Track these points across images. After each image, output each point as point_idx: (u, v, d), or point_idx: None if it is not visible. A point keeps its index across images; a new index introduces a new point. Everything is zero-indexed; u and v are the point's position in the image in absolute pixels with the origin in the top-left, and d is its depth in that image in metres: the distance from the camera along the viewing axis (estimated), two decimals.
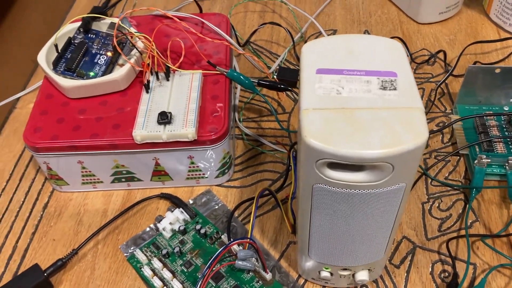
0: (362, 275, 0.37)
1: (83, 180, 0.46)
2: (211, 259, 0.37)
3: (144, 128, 0.42)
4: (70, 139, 0.42)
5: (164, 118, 0.42)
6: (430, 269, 0.41)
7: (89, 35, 0.49)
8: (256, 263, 0.39)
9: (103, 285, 0.41)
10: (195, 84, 0.45)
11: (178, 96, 0.44)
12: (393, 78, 0.30)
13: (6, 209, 0.47)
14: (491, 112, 0.50)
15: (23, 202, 0.47)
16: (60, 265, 0.41)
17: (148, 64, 0.44)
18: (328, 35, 0.61)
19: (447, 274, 0.41)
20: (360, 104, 0.29)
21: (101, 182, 0.46)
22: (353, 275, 0.38)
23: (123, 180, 0.46)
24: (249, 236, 0.39)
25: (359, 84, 0.30)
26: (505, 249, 0.42)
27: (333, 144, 0.27)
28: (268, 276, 0.39)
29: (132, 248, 0.43)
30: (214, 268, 0.38)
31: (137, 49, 0.45)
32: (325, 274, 0.38)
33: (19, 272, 0.42)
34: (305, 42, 0.61)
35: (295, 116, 0.53)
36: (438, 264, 0.41)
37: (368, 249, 0.35)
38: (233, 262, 0.38)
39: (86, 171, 0.45)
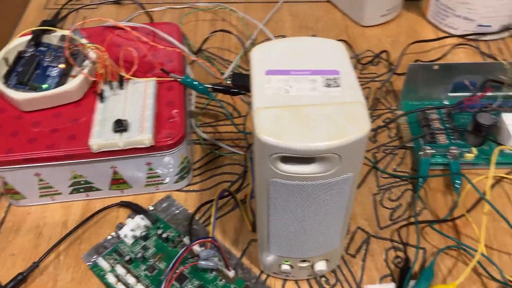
0: (321, 266, 0.39)
1: (40, 192, 0.46)
2: (194, 253, 0.37)
3: (100, 137, 0.42)
4: (26, 152, 0.42)
5: (120, 126, 0.42)
6: (384, 256, 0.43)
7: (40, 48, 0.49)
8: (219, 262, 0.40)
9: None
10: (150, 91, 0.46)
11: (133, 104, 0.45)
12: (336, 76, 0.32)
13: None
14: (432, 106, 0.53)
15: None
16: (20, 279, 0.41)
17: (102, 73, 0.45)
18: None
19: (400, 260, 0.43)
20: (307, 101, 0.30)
21: (60, 193, 0.46)
22: (312, 266, 0.40)
23: (82, 190, 0.46)
24: (210, 236, 0.40)
25: (305, 83, 0.32)
26: (451, 232, 0.45)
27: (284, 139, 0.29)
28: (231, 273, 0.40)
29: (94, 257, 0.43)
30: (177, 270, 0.39)
31: (89, 59, 0.46)
32: (285, 267, 0.39)
33: None
34: None
35: (250, 119, 0.55)
36: (391, 251, 0.44)
37: (324, 239, 0.36)
38: (196, 263, 0.39)
39: (43, 184, 0.45)
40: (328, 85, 0.31)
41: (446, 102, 0.54)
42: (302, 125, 0.29)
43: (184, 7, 0.68)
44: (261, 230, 0.37)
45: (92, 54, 0.46)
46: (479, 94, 0.50)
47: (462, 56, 0.62)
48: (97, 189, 0.46)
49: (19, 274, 0.41)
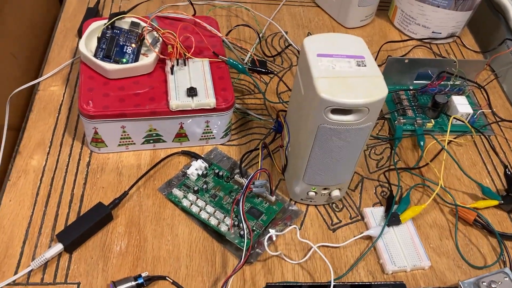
0: (336, 192, 0.57)
1: (120, 142, 0.59)
2: (243, 186, 0.53)
3: (177, 99, 0.57)
4: (119, 109, 0.56)
5: (192, 91, 0.57)
6: (374, 191, 0.62)
7: (115, 30, 0.62)
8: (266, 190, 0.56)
9: (151, 216, 0.55)
10: (206, 68, 0.61)
11: (196, 77, 0.60)
12: (363, 59, 0.49)
13: (56, 167, 0.58)
14: (402, 89, 0.72)
15: (69, 161, 0.59)
16: (117, 203, 0.55)
17: (172, 53, 0.59)
18: (281, 35, 0.80)
19: (385, 193, 0.61)
20: (347, 74, 0.47)
21: (133, 143, 0.60)
22: (330, 194, 0.57)
23: (151, 141, 0.60)
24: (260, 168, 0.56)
25: (344, 63, 0.49)
26: (418, 176, 0.64)
27: (337, 97, 0.45)
28: (273, 198, 0.57)
29: (167, 189, 0.58)
30: (238, 193, 0.54)
31: (164, 41, 0.60)
32: (311, 193, 0.56)
33: (81, 212, 0.55)
34: (265, 40, 0.79)
35: (267, 95, 0.71)
36: (379, 187, 0.62)
37: (343, 171, 0.54)
38: (250, 190, 0.55)
39: (125, 135, 0.59)
40: (359, 65, 0.49)
41: (411, 87, 0.74)
42: (346, 89, 0.46)
43: (203, 4, 0.83)
44: (299, 165, 0.54)
45: (159, 38, 0.61)
46: (437, 81, 0.70)
47: (420, 54, 0.82)
48: (163, 141, 0.61)
49: (116, 199, 0.55)
